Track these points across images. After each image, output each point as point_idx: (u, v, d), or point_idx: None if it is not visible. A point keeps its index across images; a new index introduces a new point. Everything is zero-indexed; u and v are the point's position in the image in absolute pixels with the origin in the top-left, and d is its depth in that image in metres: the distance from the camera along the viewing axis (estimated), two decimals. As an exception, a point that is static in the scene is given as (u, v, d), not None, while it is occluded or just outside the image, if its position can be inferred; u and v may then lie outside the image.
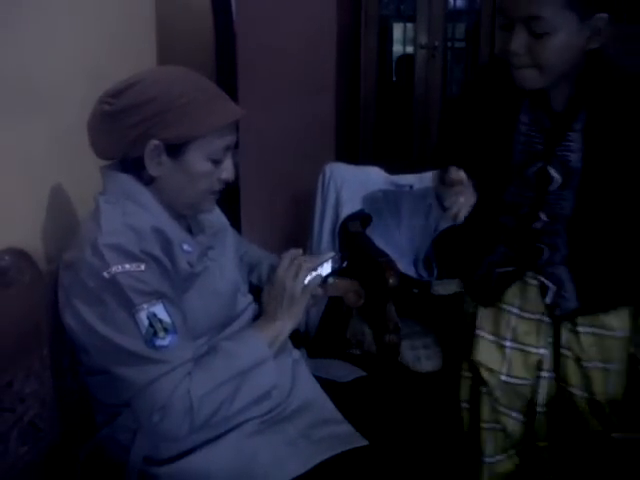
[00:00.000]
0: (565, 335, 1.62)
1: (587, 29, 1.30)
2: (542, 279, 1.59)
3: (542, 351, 1.66)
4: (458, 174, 1.43)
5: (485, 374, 1.71)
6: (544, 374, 1.68)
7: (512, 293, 1.65)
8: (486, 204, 1.52)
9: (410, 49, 3.08)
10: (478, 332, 1.72)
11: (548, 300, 1.59)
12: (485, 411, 1.75)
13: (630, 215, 1.48)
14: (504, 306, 1.67)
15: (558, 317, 1.61)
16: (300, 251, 1.42)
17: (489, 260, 1.65)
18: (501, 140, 1.51)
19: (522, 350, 1.67)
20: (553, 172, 1.47)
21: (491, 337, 1.70)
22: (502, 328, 1.68)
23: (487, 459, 1.77)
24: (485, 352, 1.71)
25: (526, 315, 1.65)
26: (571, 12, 1.28)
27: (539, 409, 1.71)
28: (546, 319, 1.63)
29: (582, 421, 1.65)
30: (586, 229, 1.50)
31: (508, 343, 1.68)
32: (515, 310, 1.66)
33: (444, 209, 1.44)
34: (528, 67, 1.34)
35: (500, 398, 1.71)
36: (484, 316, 1.71)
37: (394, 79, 3.21)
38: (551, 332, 1.64)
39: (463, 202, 1.39)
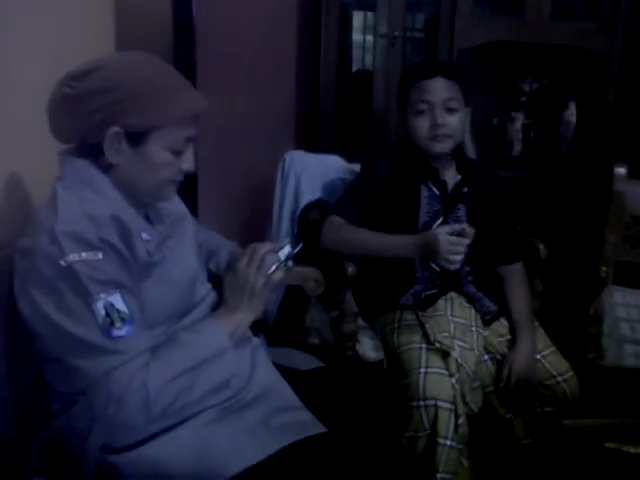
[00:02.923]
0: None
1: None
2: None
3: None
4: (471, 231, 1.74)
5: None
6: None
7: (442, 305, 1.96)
8: None
9: (370, 38, 3.07)
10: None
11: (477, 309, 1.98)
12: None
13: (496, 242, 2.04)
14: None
15: (488, 321, 1.99)
16: (266, 244, 1.41)
17: (414, 288, 1.98)
18: (409, 207, 1.97)
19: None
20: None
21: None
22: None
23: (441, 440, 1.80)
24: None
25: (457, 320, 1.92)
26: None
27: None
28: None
29: None
30: (478, 256, 1.96)
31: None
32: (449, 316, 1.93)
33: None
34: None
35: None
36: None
37: (353, 70, 3.21)
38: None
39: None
